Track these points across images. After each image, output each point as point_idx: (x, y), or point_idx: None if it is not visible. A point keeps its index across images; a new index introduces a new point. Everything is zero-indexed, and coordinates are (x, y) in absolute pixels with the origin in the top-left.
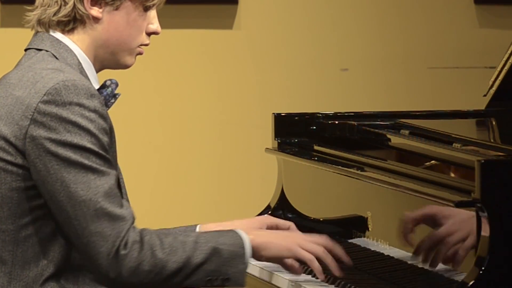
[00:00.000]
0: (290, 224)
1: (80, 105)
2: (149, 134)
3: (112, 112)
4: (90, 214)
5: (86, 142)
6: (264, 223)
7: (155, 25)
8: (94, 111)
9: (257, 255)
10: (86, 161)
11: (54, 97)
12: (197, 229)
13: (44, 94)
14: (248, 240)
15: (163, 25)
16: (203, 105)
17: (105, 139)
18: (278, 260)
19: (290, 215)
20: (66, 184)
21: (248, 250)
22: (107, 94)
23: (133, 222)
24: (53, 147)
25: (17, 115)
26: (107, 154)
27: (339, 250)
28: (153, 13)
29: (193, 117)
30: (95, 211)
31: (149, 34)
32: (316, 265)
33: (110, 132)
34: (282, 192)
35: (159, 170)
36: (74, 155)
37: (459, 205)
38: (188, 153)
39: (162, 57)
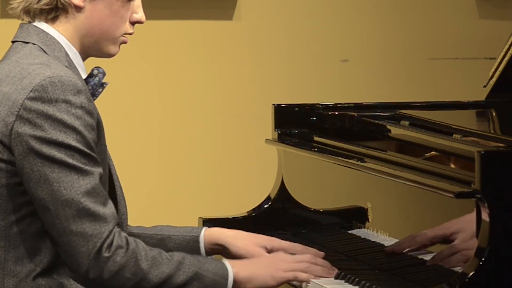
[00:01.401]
0: (300, 248)
1: (67, 102)
2: (149, 126)
3: (111, 104)
4: (72, 213)
5: (71, 140)
6: (268, 244)
7: (139, 14)
8: (81, 107)
9: (242, 287)
10: (70, 160)
11: (41, 93)
12: (202, 232)
13: (31, 91)
14: (232, 273)
15: (163, 16)
16: (203, 96)
17: (90, 136)
18: None
19: (290, 207)
20: (49, 182)
21: (230, 282)
22: (95, 83)
23: (115, 223)
24: (38, 145)
25: (3, 111)
26: (92, 152)
27: (322, 262)
28: (137, 2)
29: (193, 108)
30: (77, 211)
31: (133, 23)
32: (304, 277)
33: (97, 126)
34: (282, 183)
35: (159, 161)
36: (58, 154)
37: (459, 196)
38: (188, 144)
39: (161, 48)
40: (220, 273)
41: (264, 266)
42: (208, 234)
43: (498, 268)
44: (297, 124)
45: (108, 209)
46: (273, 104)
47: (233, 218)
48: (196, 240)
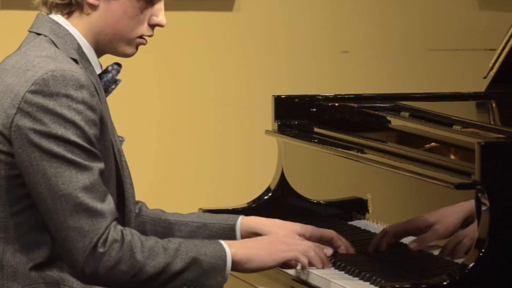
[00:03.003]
0: (334, 235)
1: (68, 96)
2: (149, 116)
3: (112, 95)
4: (69, 208)
5: (71, 134)
6: (305, 232)
7: (159, 18)
8: (82, 102)
9: (241, 268)
10: (69, 155)
11: (42, 87)
12: (239, 221)
13: (32, 84)
14: (230, 253)
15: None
16: (203, 87)
17: (92, 131)
18: (264, 270)
19: (290, 198)
20: (47, 176)
21: (228, 264)
22: (108, 79)
23: (114, 219)
24: (37, 139)
25: (6, 103)
26: (92, 147)
27: (323, 254)
28: (159, 5)
29: (193, 99)
30: (74, 206)
31: (152, 26)
32: (303, 260)
33: (100, 122)
34: (282, 174)
35: (159, 152)
36: (57, 148)
37: (459, 187)
38: (188, 135)
39: (162, 40)
40: (218, 255)
41: (263, 246)
42: (245, 223)
43: (498, 259)
44: (297, 115)
45: (106, 205)
46: (273, 95)
47: (233, 209)
48: (232, 228)
